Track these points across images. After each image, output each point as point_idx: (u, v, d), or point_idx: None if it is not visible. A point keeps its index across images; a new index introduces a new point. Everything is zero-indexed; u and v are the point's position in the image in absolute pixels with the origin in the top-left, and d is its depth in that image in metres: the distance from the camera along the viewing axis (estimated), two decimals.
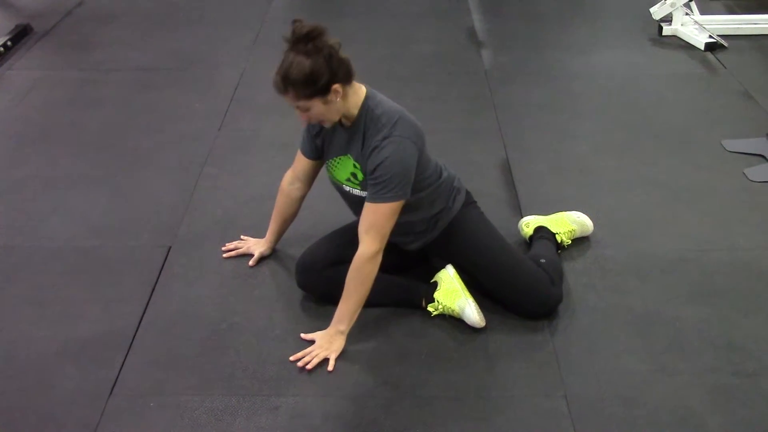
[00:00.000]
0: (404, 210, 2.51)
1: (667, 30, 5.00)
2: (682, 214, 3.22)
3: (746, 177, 3.47)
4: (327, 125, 2.53)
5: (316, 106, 2.40)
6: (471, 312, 2.58)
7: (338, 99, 2.40)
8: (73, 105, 4.29)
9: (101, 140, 3.90)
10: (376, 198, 2.44)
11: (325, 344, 2.52)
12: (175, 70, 4.70)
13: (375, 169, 2.44)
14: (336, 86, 2.37)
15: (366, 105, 2.49)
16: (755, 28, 5.03)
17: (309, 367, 2.47)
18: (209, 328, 2.66)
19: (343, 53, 2.40)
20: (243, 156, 3.71)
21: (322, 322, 2.65)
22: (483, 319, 2.58)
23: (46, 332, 2.65)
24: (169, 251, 3.04)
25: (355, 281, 2.47)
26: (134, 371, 2.49)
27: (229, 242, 3.04)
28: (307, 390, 2.40)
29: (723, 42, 4.79)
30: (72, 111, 4.22)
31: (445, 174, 2.69)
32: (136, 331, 2.65)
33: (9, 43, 4.95)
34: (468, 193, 2.79)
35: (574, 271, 2.89)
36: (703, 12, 5.07)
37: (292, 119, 4.02)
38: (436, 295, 2.65)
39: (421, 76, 4.56)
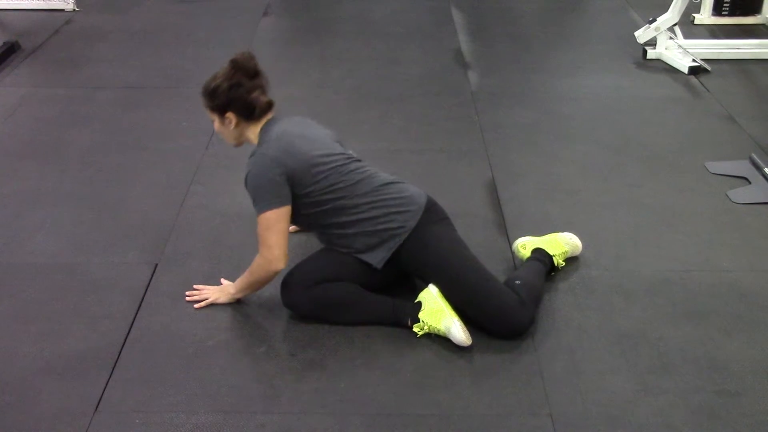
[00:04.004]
0: (305, 216, 2.73)
1: (651, 54, 5.06)
2: (666, 235, 3.25)
3: (729, 199, 3.50)
4: (229, 144, 2.87)
5: (216, 121, 2.77)
6: (457, 331, 2.58)
7: (231, 126, 2.73)
8: (61, 122, 4.29)
9: (88, 157, 3.91)
10: (255, 212, 2.67)
11: (216, 292, 2.85)
12: (163, 89, 4.71)
13: (244, 187, 2.70)
14: (229, 114, 2.70)
15: (259, 136, 2.75)
16: (738, 52, 5.10)
17: (197, 306, 2.82)
18: (195, 345, 2.66)
19: (263, 95, 2.73)
20: (230, 174, 3.71)
21: (309, 338, 2.66)
22: (469, 337, 2.59)
23: (31, 349, 2.64)
24: (155, 268, 3.04)
25: (252, 272, 2.73)
26: (119, 388, 2.48)
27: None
28: (293, 407, 2.40)
29: (706, 66, 4.85)
30: (59, 128, 4.22)
31: (367, 201, 2.72)
32: (122, 347, 2.65)
33: None
34: (432, 210, 2.78)
35: (559, 290, 2.91)
36: (686, 36, 5.14)
37: None
38: (420, 315, 2.65)
39: (408, 96, 4.59)
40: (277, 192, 2.63)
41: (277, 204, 2.63)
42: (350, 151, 2.85)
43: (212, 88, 2.70)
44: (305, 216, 2.74)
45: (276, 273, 2.69)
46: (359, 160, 2.83)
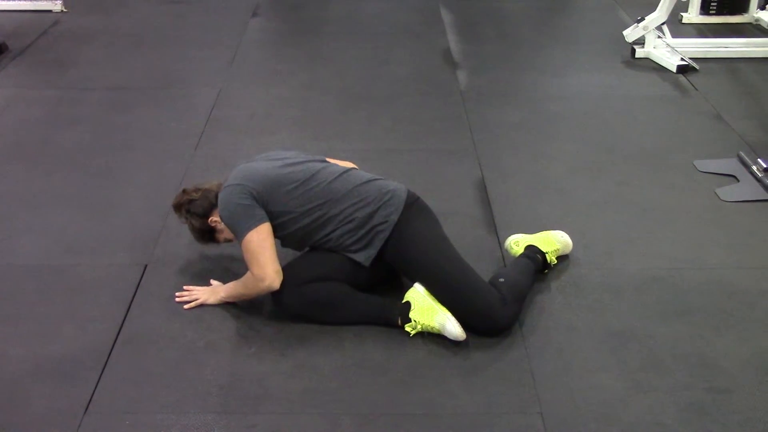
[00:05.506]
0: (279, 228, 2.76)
1: (639, 52, 5.08)
2: (655, 233, 3.26)
3: (717, 197, 3.52)
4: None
5: (216, 236, 2.94)
6: (452, 326, 2.59)
7: (222, 225, 2.83)
8: (49, 124, 4.27)
9: (76, 159, 3.89)
10: (239, 242, 2.73)
11: (206, 293, 2.86)
12: (152, 90, 4.70)
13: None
14: (211, 219, 2.88)
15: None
16: (726, 51, 5.12)
17: (186, 306, 2.82)
18: (185, 346, 2.65)
19: (209, 183, 2.93)
20: (219, 176, 3.65)
21: (298, 338, 2.66)
22: (463, 332, 2.59)
23: (20, 350, 2.63)
24: (145, 270, 3.04)
25: (247, 287, 2.74)
26: (109, 389, 2.47)
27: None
28: (283, 407, 2.40)
29: (694, 65, 4.87)
30: (47, 129, 4.20)
31: (330, 217, 2.74)
32: (111, 349, 2.64)
33: None
34: (415, 205, 2.79)
35: (549, 289, 2.91)
36: (675, 35, 5.15)
37: (268, 139, 4.06)
38: (411, 314, 2.65)
39: (397, 96, 4.59)
40: (250, 214, 2.68)
41: (254, 224, 2.67)
42: (315, 156, 2.92)
43: (192, 228, 2.94)
44: (295, 234, 2.76)
45: (271, 290, 2.68)
46: (323, 160, 2.89)
